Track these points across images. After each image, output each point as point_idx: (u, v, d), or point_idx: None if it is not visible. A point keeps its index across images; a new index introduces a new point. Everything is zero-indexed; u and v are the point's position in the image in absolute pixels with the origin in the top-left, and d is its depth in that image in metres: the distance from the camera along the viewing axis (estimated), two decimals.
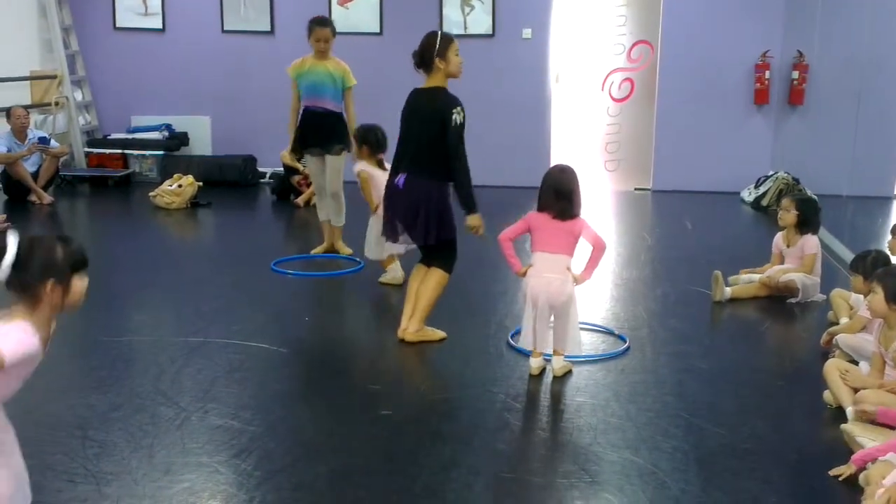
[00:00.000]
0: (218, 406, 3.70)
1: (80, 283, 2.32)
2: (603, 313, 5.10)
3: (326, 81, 6.11)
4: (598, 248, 4.15)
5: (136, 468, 3.15)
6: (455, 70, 4.44)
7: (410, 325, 4.52)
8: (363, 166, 5.60)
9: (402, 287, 5.23)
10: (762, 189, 8.58)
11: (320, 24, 6.21)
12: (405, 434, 3.51)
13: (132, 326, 4.91)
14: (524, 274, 4.13)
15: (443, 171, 4.36)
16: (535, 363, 4.11)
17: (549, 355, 4.14)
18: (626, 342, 4.53)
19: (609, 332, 4.74)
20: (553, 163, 9.34)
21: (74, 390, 3.89)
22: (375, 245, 5.46)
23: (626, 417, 3.65)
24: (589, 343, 4.63)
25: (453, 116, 4.30)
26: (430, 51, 4.37)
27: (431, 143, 4.32)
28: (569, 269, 4.09)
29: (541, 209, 4.16)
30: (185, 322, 4.84)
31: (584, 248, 4.21)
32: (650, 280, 5.87)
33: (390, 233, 4.60)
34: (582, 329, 4.78)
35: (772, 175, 8.64)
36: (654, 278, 5.91)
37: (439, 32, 4.48)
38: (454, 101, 4.35)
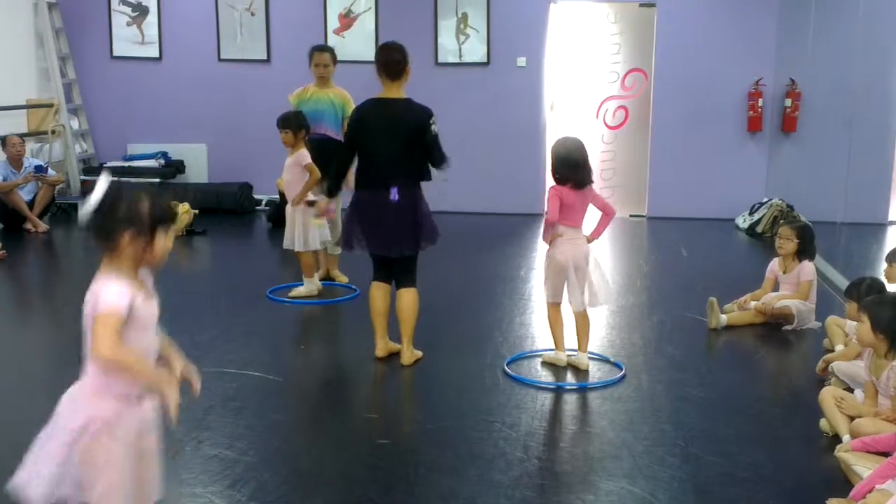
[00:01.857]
0: (213, 435, 3.68)
1: (163, 240, 2.26)
2: (599, 341, 5.10)
3: (327, 109, 6.16)
4: (609, 215, 4.56)
5: None
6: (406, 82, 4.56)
7: (405, 351, 4.57)
8: (308, 157, 5.80)
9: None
10: (757, 216, 8.62)
11: (320, 49, 6.33)
12: (402, 464, 3.49)
13: None
14: (551, 243, 4.51)
15: (420, 180, 4.50)
16: (559, 356, 4.56)
17: (574, 351, 4.52)
18: (622, 370, 4.53)
19: (605, 360, 4.74)
20: (547, 191, 9.44)
21: None
22: (300, 237, 5.80)
23: (622, 446, 3.64)
24: (584, 371, 4.63)
25: (432, 126, 4.44)
26: (406, 60, 4.51)
27: (415, 154, 4.42)
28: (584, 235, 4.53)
29: (561, 182, 4.45)
30: (180, 350, 4.81)
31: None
32: (646, 307, 5.88)
33: (353, 244, 4.56)
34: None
35: (766, 202, 8.68)
36: (650, 305, 5.92)
37: (403, 46, 4.58)
38: (429, 110, 4.48)
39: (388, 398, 4.35)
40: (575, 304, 4.49)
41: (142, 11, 9.75)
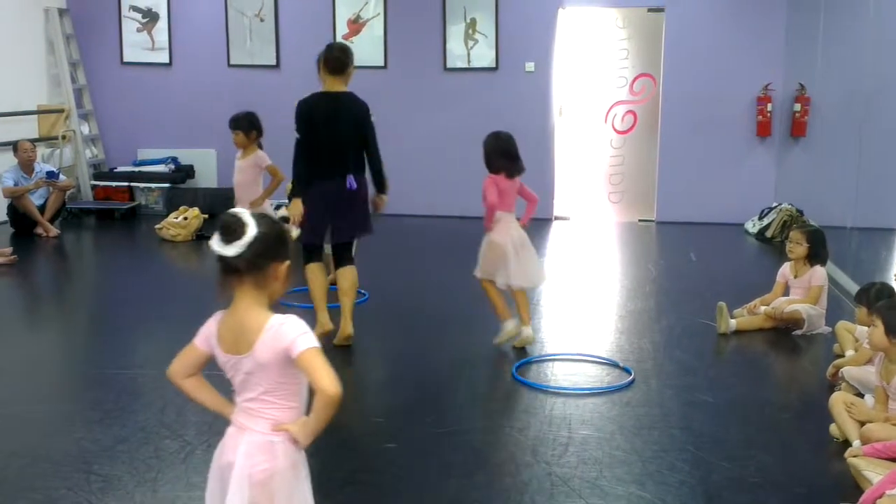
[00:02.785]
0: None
1: (284, 269, 2.21)
2: (607, 345, 5.10)
3: None
4: (535, 202, 5.04)
5: (140, 502, 3.14)
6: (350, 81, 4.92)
7: (349, 322, 4.89)
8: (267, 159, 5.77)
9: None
10: (766, 220, 8.60)
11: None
12: (411, 468, 3.49)
13: (137, 359, 4.91)
14: (490, 229, 4.89)
15: (364, 169, 4.89)
16: (510, 325, 4.86)
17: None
18: (630, 374, 4.52)
19: (614, 365, 4.73)
20: (557, 199, 9.47)
21: (80, 423, 3.89)
22: None
23: (631, 451, 3.63)
24: (593, 375, 4.63)
25: (372, 118, 4.88)
26: (349, 58, 4.86)
27: (360, 144, 4.83)
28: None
29: (496, 171, 4.88)
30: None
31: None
32: (655, 312, 5.87)
33: (318, 234, 4.88)
34: (587, 361, 4.81)
35: (775, 207, 8.66)
36: (659, 310, 5.91)
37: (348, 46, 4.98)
38: (366, 104, 4.90)
39: (396, 402, 4.36)
40: (516, 282, 4.85)
41: (152, 18, 9.80)
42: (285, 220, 5.57)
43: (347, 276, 4.95)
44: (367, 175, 4.99)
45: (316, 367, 2.10)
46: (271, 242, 2.13)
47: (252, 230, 2.10)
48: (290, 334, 2.10)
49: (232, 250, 2.10)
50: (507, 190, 4.88)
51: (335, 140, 4.74)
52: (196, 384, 2.30)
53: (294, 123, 4.81)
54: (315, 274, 4.93)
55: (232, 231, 2.10)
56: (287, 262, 2.19)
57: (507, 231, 4.85)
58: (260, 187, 5.90)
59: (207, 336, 2.24)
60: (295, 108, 4.86)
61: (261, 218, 2.15)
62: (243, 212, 2.14)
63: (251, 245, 2.10)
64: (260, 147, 5.90)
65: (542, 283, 5.44)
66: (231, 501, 2.13)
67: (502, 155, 4.90)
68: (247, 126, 5.75)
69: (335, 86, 4.83)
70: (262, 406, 2.16)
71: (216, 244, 2.12)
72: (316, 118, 4.74)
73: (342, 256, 4.99)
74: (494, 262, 4.86)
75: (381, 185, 5.03)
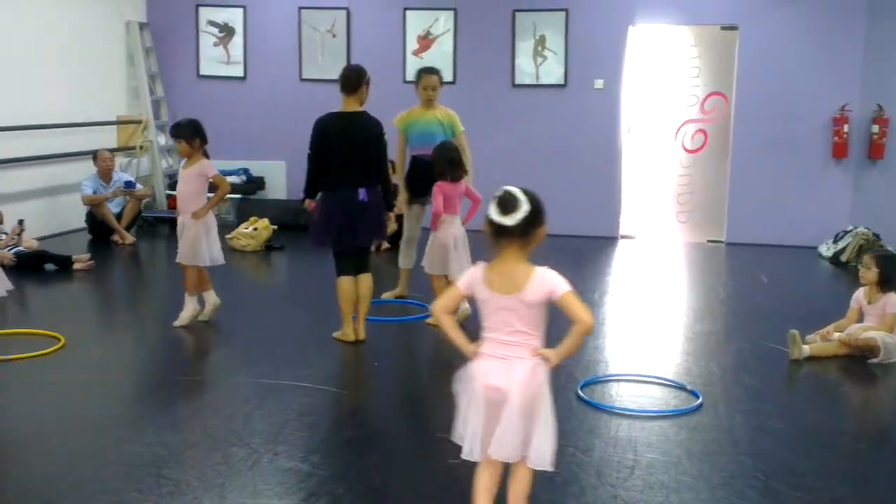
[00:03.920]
0: (288, 448, 3.74)
1: (543, 232, 2.79)
2: (674, 367, 5.02)
3: (437, 130, 6.13)
4: (477, 202, 5.62)
5: None
6: (366, 99, 5.33)
7: (362, 327, 5.32)
8: (213, 169, 5.66)
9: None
10: (841, 244, 8.37)
11: (428, 71, 6.28)
12: (471, 486, 3.47)
13: (207, 366, 5.01)
14: (436, 229, 5.58)
15: (377, 183, 5.26)
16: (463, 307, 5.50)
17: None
18: (698, 398, 4.44)
19: (681, 388, 4.65)
20: (623, 218, 9.38)
21: (151, 428, 3.98)
22: (191, 249, 5.57)
23: (699, 476, 3.56)
24: (659, 397, 4.56)
25: (385, 136, 5.27)
26: (362, 78, 5.23)
27: (374, 159, 5.19)
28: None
29: (441, 177, 5.51)
30: (258, 364, 4.92)
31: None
32: (723, 335, 5.76)
33: (325, 241, 5.24)
34: (653, 383, 4.74)
35: (851, 230, 8.43)
36: (728, 333, 5.79)
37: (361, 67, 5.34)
38: (379, 122, 5.26)
39: None
40: (455, 274, 5.37)
41: (228, 32, 10.04)
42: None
43: (363, 284, 5.31)
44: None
45: (575, 304, 2.70)
46: (537, 214, 2.74)
47: (525, 206, 2.71)
48: (554, 280, 2.73)
49: (510, 221, 2.71)
50: (452, 194, 5.56)
51: (346, 155, 5.11)
52: (452, 321, 2.92)
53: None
54: (346, 287, 5.26)
55: (510, 206, 2.71)
56: (544, 226, 2.77)
57: (451, 230, 5.57)
58: (205, 198, 5.60)
59: (471, 283, 2.82)
60: (313, 125, 5.23)
61: (528, 195, 2.74)
62: (516, 189, 2.74)
63: (525, 217, 2.71)
64: (206, 156, 5.63)
65: None
66: (512, 413, 2.72)
67: (443, 162, 5.52)
68: (190, 134, 5.50)
69: (348, 105, 5.23)
70: (521, 338, 2.77)
71: (495, 215, 2.72)
72: (330, 135, 5.14)
73: (360, 264, 5.31)
74: (442, 259, 5.59)
75: (392, 203, 5.57)
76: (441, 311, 2.91)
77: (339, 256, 5.30)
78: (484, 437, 2.78)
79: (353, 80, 5.21)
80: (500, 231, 2.73)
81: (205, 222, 5.58)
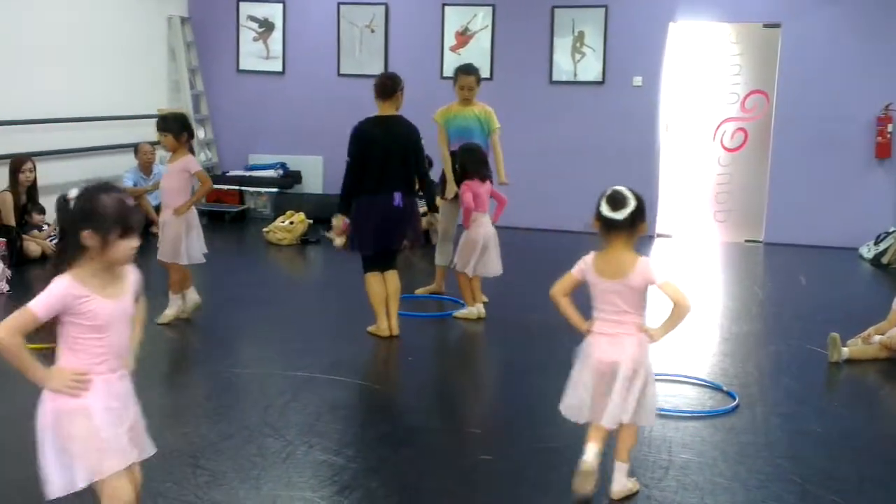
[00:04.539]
0: (322, 441, 3.77)
1: (646, 227, 3.15)
2: (710, 368, 4.97)
3: (474, 126, 6.18)
4: (503, 203, 5.94)
5: (244, 498, 3.23)
6: (401, 105, 5.40)
7: (395, 322, 5.36)
8: (197, 164, 5.57)
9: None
10: (882, 246, 8.23)
11: (465, 71, 6.26)
12: (503, 482, 3.48)
13: (242, 359, 5.06)
14: (468, 227, 5.78)
15: (413, 188, 5.34)
16: (475, 309, 5.79)
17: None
18: (735, 399, 4.39)
19: (717, 388, 4.61)
20: (660, 213, 9.29)
21: (188, 419, 4.03)
22: (171, 247, 5.44)
23: (734, 479, 3.53)
24: (695, 398, 4.52)
25: (422, 141, 5.36)
26: (397, 85, 5.34)
27: (412, 164, 5.26)
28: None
29: (470, 177, 5.72)
30: (293, 356, 4.96)
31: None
32: (761, 336, 5.69)
33: (364, 245, 5.23)
34: (688, 383, 4.70)
35: (893, 232, 8.28)
36: (766, 334, 5.72)
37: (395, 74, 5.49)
38: (416, 127, 5.36)
39: (493, 414, 4.36)
40: (488, 272, 5.79)
41: (268, 27, 10.12)
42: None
43: (391, 281, 5.38)
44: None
45: (675, 289, 3.09)
46: (641, 210, 3.11)
47: (632, 203, 3.09)
48: (655, 269, 3.11)
49: (620, 215, 3.08)
50: (481, 193, 5.74)
51: (383, 160, 5.14)
52: (569, 301, 3.25)
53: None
54: (376, 283, 5.32)
55: (620, 203, 3.08)
56: (646, 222, 3.14)
57: (483, 229, 5.75)
58: (188, 193, 5.50)
59: (583, 269, 3.20)
60: (350, 132, 5.26)
61: (634, 194, 3.11)
62: (624, 189, 3.11)
63: (632, 213, 3.08)
64: (191, 151, 5.57)
65: (497, 274, 5.93)
66: (623, 382, 3.10)
67: (474, 161, 5.73)
68: (177, 128, 5.38)
69: (385, 109, 5.31)
70: (627, 317, 3.13)
71: (607, 211, 3.09)
72: (368, 140, 5.18)
73: (387, 262, 5.38)
74: (472, 256, 5.72)
75: (429, 204, 5.73)
76: (558, 292, 3.25)
77: (369, 256, 5.34)
78: (593, 405, 3.16)
79: (390, 86, 5.31)
80: (609, 224, 3.10)
81: (186, 219, 5.45)
